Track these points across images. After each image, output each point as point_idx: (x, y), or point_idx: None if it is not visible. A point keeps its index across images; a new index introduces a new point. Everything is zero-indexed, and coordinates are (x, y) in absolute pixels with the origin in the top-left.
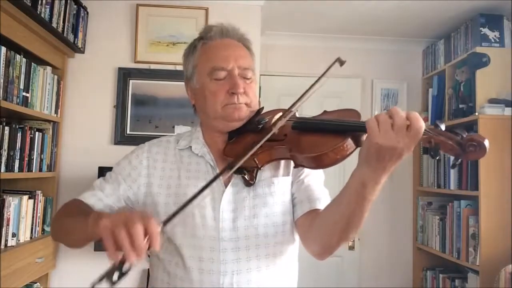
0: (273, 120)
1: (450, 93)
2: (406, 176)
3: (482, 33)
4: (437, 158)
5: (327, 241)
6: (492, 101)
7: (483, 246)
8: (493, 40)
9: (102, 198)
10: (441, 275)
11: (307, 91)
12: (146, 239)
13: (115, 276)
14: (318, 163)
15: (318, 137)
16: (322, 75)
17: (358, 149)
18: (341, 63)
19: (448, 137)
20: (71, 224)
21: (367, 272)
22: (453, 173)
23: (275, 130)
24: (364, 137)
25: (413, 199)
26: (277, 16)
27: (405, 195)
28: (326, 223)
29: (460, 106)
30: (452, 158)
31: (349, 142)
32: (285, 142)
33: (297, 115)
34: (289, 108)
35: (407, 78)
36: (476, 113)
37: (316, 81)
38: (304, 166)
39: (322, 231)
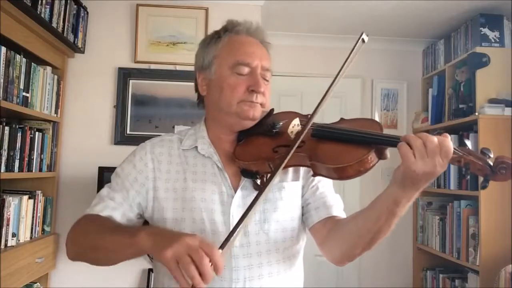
0: (291, 125)
1: (450, 93)
2: None
3: (482, 33)
4: (468, 177)
5: (349, 251)
6: (492, 101)
7: (483, 246)
8: (493, 40)
9: (116, 207)
10: (441, 275)
11: (334, 81)
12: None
13: None
14: (341, 174)
15: (340, 147)
16: (348, 57)
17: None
18: (363, 40)
19: (477, 158)
20: (108, 242)
21: (367, 272)
22: (453, 173)
23: (303, 135)
24: (387, 150)
25: None
26: (277, 16)
27: None
28: (350, 235)
29: (460, 106)
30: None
31: (373, 154)
32: (303, 149)
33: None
34: (318, 105)
35: (407, 78)
36: (476, 113)
37: (343, 65)
38: (324, 176)
39: (344, 241)
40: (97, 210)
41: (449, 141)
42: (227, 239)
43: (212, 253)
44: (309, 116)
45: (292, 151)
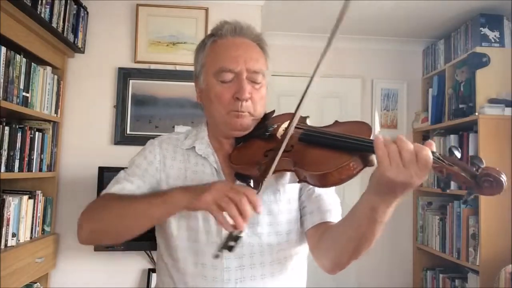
0: (281, 128)
1: (450, 93)
2: None
3: (482, 33)
4: (447, 191)
5: (337, 259)
6: (492, 101)
7: (483, 246)
8: (493, 40)
9: (133, 189)
10: (441, 275)
11: (316, 68)
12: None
13: (231, 243)
14: (323, 182)
15: (324, 153)
16: (334, 32)
17: (366, 168)
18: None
19: (462, 168)
20: (136, 206)
21: (367, 272)
22: None
23: (286, 140)
24: (373, 156)
25: (413, 199)
26: (277, 16)
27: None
28: (336, 242)
29: (460, 106)
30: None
31: (356, 161)
32: (291, 154)
33: (308, 123)
34: (300, 102)
35: (407, 78)
36: (476, 113)
37: (327, 46)
38: (308, 183)
39: (332, 248)
40: (115, 190)
41: (428, 151)
42: (261, 180)
43: (248, 192)
44: (300, 118)
45: (277, 158)
